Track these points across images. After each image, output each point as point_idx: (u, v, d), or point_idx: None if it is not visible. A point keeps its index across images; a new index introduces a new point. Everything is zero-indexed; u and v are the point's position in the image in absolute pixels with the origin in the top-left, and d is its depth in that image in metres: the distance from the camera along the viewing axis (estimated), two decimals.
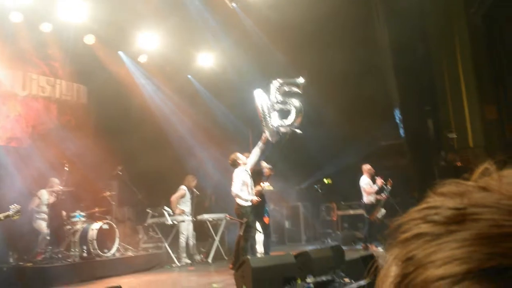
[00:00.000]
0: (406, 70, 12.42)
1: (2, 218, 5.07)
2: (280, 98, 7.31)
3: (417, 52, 12.77)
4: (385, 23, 12.36)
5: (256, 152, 7.20)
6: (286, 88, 7.43)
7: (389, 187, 9.45)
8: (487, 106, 14.54)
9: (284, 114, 7.33)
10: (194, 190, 9.10)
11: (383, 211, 9.44)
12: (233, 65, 10.91)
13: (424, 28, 13.19)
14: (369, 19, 12.07)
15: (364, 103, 11.88)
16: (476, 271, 0.32)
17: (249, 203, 7.04)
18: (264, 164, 7.79)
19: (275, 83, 7.33)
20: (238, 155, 7.32)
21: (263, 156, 7.38)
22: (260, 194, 7.25)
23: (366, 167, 9.56)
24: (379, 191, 9.39)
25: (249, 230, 7.01)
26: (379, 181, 9.35)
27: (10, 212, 5.31)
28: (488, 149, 14.15)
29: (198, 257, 8.79)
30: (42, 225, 7.77)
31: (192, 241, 8.75)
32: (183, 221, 8.75)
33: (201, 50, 11.09)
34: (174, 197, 8.83)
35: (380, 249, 8.85)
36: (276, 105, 7.20)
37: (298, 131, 6.87)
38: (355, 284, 5.35)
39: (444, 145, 13.85)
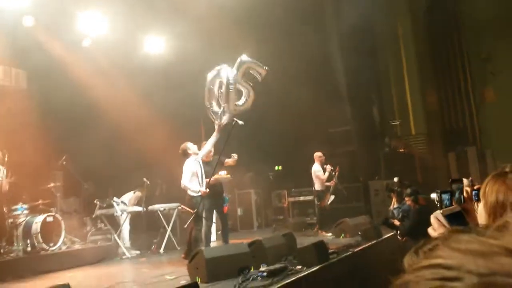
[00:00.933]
0: (353, 58, 12.74)
1: None
2: (237, 76, 7.28)
3: (363, 43, 13.11)
4: (332, 15, 12.60)
5: (210, 142, 7.15)
6: (251, 69, 7.40)
7: (337, 173, 9.76)
8: (429, 95, 15.28)
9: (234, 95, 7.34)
10: (145, 179, 8.92)
11: (332, 197, 9.75)
12: (184, 51, 10.68)
13: (370, 18, 13.53)
14: (318, 10, 12.22)
15: (313, 90, 12.07)
16: None
17: (199, 194, 7.00)
18: (233, 155, 7.66)
19: (241, 59, 7.26)
20: (189, 145, 7.22)
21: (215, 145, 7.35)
22: (217, 183, 7.22)
23: (318, 154, 9.78)
24: (328, 178, 9.67)
25: (200, 220, 7.00)
26: (328, 168, 9.61)
27: None
28: (429, 136, 14.92)
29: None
30: None
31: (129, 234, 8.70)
32: (131, 212, 8.63)
33: (149, 34, 10.77)
34: (132, 200, 8.92)
35: (329, 235, 9.14)
36: (231, 82, 7.17)
37: (239, 122, 6.88)
38: (306, 271, 5.48)
39: (388, 132, 14.43)
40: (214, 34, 10.32)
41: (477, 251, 0.32)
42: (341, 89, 13.31)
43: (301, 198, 11.91)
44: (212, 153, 7.44)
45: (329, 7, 12.47)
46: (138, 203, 9.00)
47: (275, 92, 10.90)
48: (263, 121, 10.17)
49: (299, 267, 5.56)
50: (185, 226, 7.21)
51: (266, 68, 7.44)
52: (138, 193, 9.01)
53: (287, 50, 10.61)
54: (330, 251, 6.22)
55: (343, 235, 8.72)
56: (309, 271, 5.39)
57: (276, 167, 12.87)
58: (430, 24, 14.87)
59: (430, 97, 15.15)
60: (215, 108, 7.44)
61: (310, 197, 11.64)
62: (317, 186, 9.71)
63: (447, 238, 0.35)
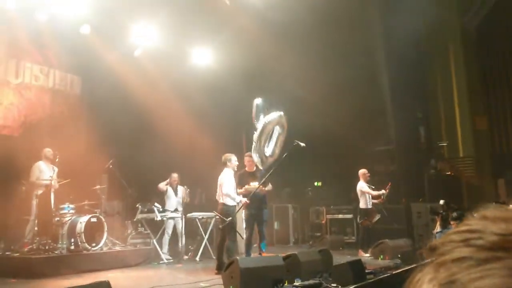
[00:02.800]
0: (400, 76, 12.51)
1: None
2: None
3: (411, 59, 12.84)
4: (381, 28, 12.43)
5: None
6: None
7: (387, 191, 9.51)
8: (478, 116, 14.71)
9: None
10: (184, 187, 9.08)
11: (378, 216, 9.50)
12: (229, 64, 10.90)
13: (419, 36, 13.27)
14: (365, 23, 12.11)
15: (357, 108, 11.93)
16: None
17: (234, 203, 7.07)
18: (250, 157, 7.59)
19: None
20: (233, 157, 7.32)
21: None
22: (255, 194, 7.22)
23: (362, 171, 9.58)
24: (377, 196, 9.45)
25: (233, 231, 7.04)
26: (384, 190, 9.42)
27: None
28: (478, 160, 14.32)
29: (185, 257, 8.77)
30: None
31: (181, 240, 8.70)
32: (171, 219, 8.78)
33: (197, 46, 11.07)
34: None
35: (367, 255, 8.92)
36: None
37: (301, 144, 7.02)
38: None
39: (435, 154, 13.98)
40: (258, 46, 10.45)
41: (500, 217, 0.38)
42: (386, 107, 13.07)
43: (340, 216, 11.71)
44: (254, 164, 7.45)
45: (375, 20, 12.31)
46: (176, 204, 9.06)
47: (317, 107, 10.87)
48: (303, 136, 10.13)
49: (334, 285, 5.47)
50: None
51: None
52: (162, 184, 9.07)
53: (331, 64, 10.58)
54: (367, 271, 6.08)
55: (382, 256, 8.50)
56: None
57: (316, 183, 12.76)
58: (481, 41, 14.40)
59: (480, 118, 14.59)
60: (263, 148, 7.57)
61: (349, 215, 11.44)
62: (362, 204, 9.46)
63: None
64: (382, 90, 12.71)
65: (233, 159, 7.31)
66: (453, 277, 0.35)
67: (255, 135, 7.17)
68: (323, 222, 11.93)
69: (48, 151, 7.97)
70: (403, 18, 10.88)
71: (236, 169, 7.34)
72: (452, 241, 0.38)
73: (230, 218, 6.95)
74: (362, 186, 9.43)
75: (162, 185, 9.08)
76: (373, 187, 9.69)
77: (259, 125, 7.20)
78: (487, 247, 0.35)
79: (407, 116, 13.41)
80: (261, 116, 7.26)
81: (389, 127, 13.14)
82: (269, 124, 7.27)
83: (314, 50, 10.85)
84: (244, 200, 7.08)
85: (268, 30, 10.21)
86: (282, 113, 7.48)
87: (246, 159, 7.56)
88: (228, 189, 7.04)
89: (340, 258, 7.31)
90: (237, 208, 7.25)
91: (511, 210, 0.38)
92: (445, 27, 14.25)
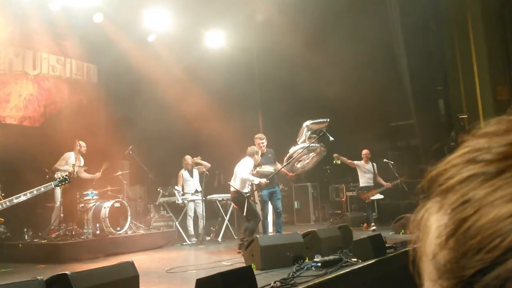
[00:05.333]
0: (417, 49, 12.23)
1: (43, 190, 5.03)
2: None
3: (429, 30, 12.53)
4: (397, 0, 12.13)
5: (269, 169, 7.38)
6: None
7: (400, 182, 9.69)
8: (499, 86, 14.32)
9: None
10: (204, 169, 9.16)
11: (379, 196, 9.61)
12: (244, 45, 10.84)
13: (436, 5, 12.90)
14: None
15: (374, 83, 11.75)
16: None
17: (247, 190, 7.18)
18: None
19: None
20: (260, 152, 7.33)
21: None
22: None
23: (363, 151, 9.92)
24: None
25: (251, 212, 7.14)
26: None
27: (53, 183, 5.26)
28: None
29: (207, 238, 8.92)
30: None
31: (201, 222, 8.85)
32: (192, 201, 8.90)
33: (211, 29, 11.03)
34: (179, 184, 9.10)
35: (371, 229, 9.11)
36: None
37: (331, 138, 7.35)
38: (362, 264, 5.41)
39: (455, 126, 13.74)
40: (274, 26, 10.35)
41: (503, 129, 0.35)
42: (405, 82, 12.84)
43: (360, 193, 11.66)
44: (264, 145, 7.48)
45: None
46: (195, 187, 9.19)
47: (333, 83, 10.74)
48: (322, 112, 10.07)
49: (355, 260, 5.50)
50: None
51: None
52: (180, 174, 9.20)
53: (346, 39, 10.40)
54: (387, 245, 6.08)
55: (403, 231, 8.50)
56: (364, 264, 5.32)
57: (335, 161, 12.70)
58: (502, 8, 13.93)
59: (502, 88, 14.23)
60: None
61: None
62: (361, 182, 9.82)
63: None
64: (399, 63, 12.47)
65: (260, 155, 7.35)
66: (465, 197, 0.33)
67: (293, 150, 8.30)
68: (343, 199, 11.94)
69: (81, 143, 8.13)
70: None
71: (257, 162, 7.39)
72: (455, 165, 0.35)
73: (241, 205, 7.11)
74: (357, 163, 9.85)
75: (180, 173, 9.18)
76: (392, 162, 9.66)
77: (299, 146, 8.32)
78: (497, 159, 0.33)
79: (426, 89, 13.17)
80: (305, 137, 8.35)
81: (408, 101, 12.93)
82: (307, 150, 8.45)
83: (328, 27, 10.67)
84: (264, 180, 7.12)
85: (280, 10, 10.09)
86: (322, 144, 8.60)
87: (257, 141, 7.48)
88: (246, 174, 7.11)
89: (360, 234, 7.33)
90: (252, 190, 7.36)
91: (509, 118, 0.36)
92: None
